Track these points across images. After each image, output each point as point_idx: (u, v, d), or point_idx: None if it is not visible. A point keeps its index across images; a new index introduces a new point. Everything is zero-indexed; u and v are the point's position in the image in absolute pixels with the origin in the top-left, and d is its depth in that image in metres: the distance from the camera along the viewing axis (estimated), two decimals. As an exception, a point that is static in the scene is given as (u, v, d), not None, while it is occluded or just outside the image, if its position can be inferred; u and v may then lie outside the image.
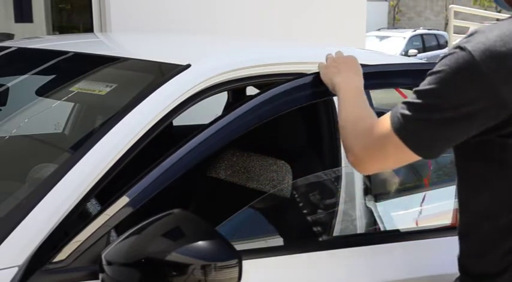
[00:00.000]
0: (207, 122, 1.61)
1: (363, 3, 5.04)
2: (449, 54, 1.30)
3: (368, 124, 1.44)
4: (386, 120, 1.38)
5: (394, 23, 28.62)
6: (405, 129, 1.34)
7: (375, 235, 2.01)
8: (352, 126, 1.50)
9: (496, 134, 1.31)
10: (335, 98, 1.98)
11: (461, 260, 1.50)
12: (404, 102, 1.36)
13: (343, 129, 1.53)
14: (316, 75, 1.76)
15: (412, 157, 1.36)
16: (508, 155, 1.32)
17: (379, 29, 19.83)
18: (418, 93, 1.33)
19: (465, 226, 1.48)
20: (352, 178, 2.04)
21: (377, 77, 1.89)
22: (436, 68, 1.31)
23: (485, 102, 1.26)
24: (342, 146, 1.97)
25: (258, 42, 2.79)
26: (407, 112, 1.34)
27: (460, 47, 1.28)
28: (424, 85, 1.33)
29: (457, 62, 1.27)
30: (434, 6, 28.82)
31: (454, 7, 8.31)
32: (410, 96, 1.36)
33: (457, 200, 1.51)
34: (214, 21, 4.11)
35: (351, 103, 1.59)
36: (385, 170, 1.50)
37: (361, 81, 1.69)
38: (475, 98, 1.26)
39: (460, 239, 1.50)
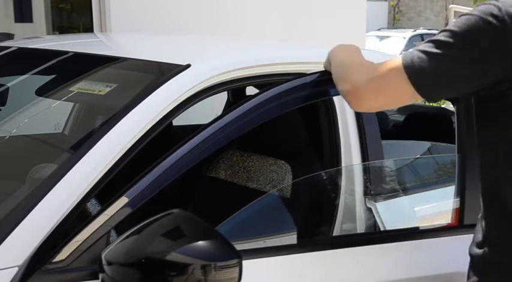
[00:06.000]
0: (207, 122, 1.61)
1: (363, 3, 5.04)
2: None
3: (378, 63, 1.45)
4: (399, 57, 1.40)
5: (394, 23, 28.59)
6: (412, 62, 1.35)
7: (375, 235, 2.00)
8: (354, 64, 1.50)
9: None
10: (335, 98, 1.98)
11: (486, 251, 1.45)
12: (426, 41, 1.39)
13: (339, 68, 1.53)
14: (316, 75, 1.76)
15: (412, 95, 1.37)
16: None
17: (379, 29, 19.81)
18: (442, 32, 1.37)
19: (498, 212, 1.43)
20: (352, 177, 2.04)
21: None
22: (467, 13, 1.35)
23: (495, 51, 1.29)
24: (341, 145, 1.99)
25: (258, 42, 2.79)
26: (422, 47, 1.37)
27: None
28: (451, 26, 1.37)
29: (484, 9, 1.32)
30: (434, 6, 28.78)
31: (454, 7, 8.30)
32: None
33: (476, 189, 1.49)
34: (214, 21, 4.11)
35: (345, 52, 1.59)
36: (382, 107, 1.49)
37: (356, 48, 1.65)
38: (489, 45, 1.30)
39: (487, 227, 1.45)
